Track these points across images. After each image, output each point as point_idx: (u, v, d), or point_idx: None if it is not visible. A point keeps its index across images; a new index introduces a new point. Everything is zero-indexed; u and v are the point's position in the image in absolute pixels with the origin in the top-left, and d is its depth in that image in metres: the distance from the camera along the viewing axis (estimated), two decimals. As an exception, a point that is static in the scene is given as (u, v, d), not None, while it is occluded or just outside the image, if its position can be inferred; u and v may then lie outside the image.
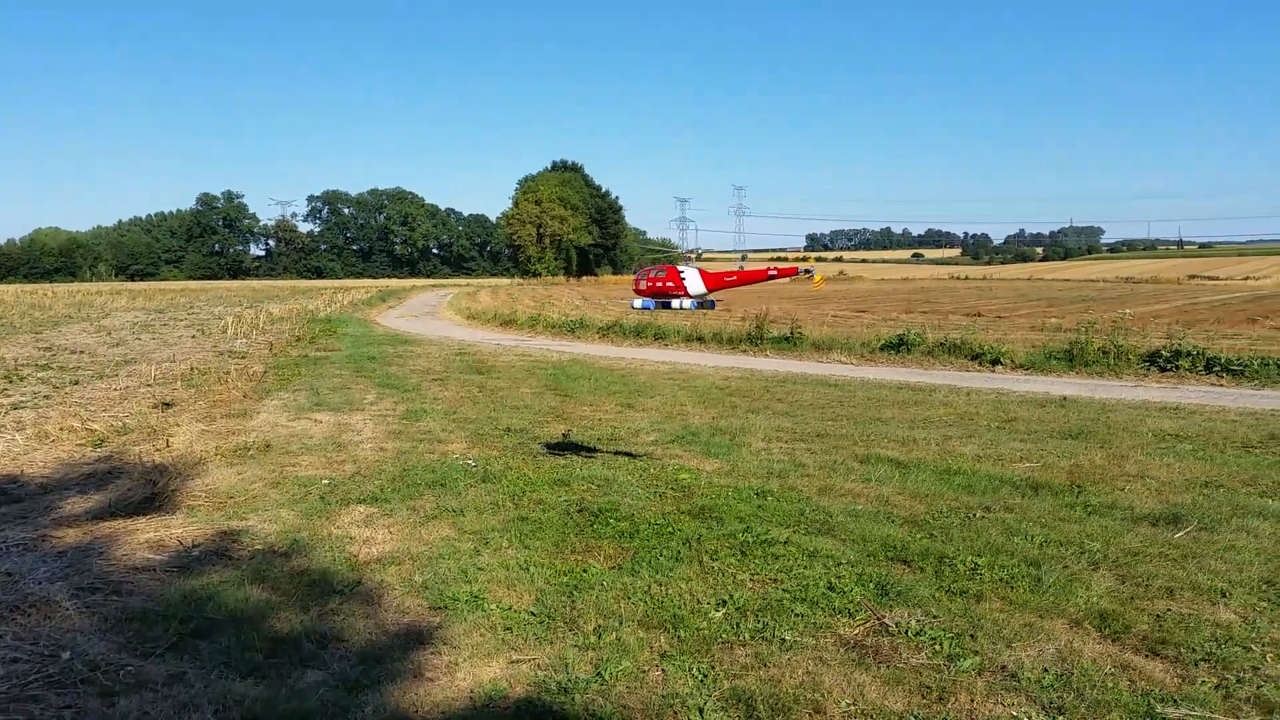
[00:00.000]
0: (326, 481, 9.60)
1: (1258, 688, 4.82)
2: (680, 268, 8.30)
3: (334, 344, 28.18)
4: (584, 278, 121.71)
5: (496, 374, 19.85)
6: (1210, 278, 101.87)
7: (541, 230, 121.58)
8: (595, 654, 5.26)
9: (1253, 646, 5.33)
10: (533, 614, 5.86)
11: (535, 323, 37.25)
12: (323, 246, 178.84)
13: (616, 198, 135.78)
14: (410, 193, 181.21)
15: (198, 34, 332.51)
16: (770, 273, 8.52)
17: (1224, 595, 6.14)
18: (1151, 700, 4.69)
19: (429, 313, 51.48)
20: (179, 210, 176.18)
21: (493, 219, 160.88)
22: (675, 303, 8.14)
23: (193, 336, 30.39)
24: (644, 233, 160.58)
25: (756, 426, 12.93)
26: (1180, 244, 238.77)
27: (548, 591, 6.25)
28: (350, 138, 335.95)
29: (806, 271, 8.91)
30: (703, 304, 8.23)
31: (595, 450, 11.08)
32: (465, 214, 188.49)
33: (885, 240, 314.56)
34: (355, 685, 4.98)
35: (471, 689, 4.93)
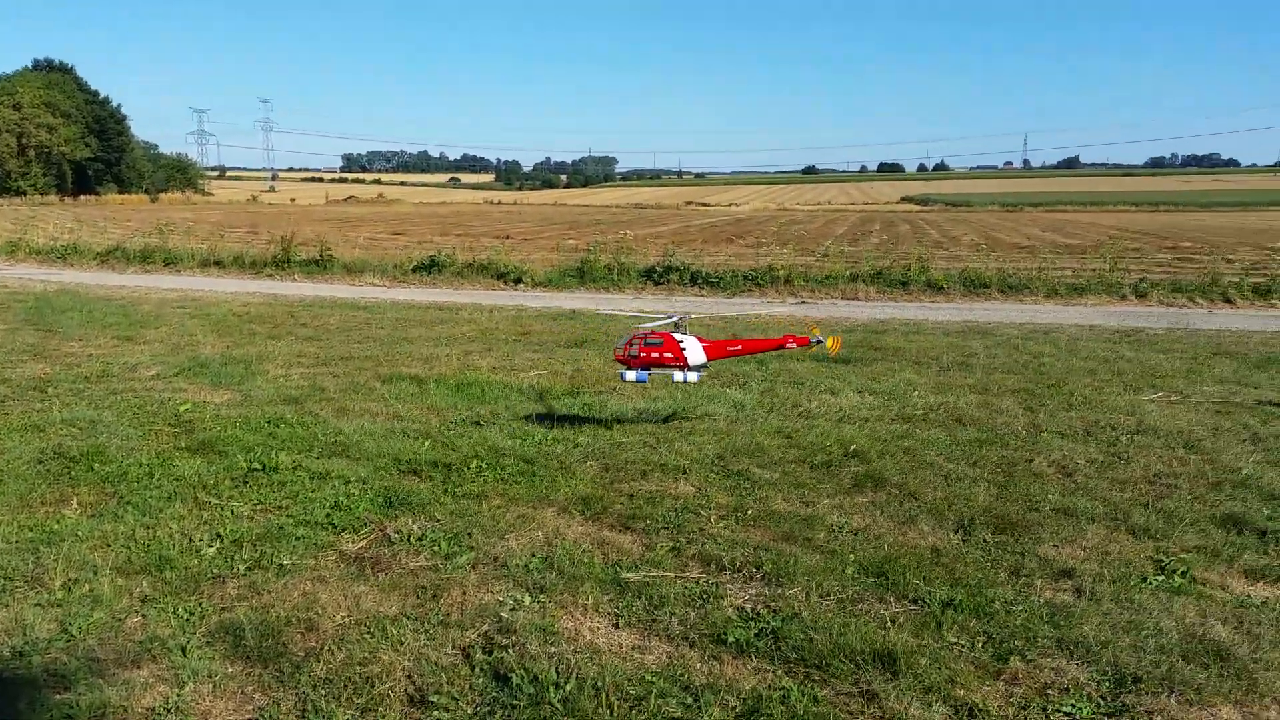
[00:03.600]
0: None
1: (702, 545, 5.75)
2: (677, 336, 7.40)
3: None
4: (82, 197, 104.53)
5: (-49, 310, 16.61)
6: (703, 204, 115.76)
7: (24, 141, 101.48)
8: (62, 610, 4.73)
9: (702, 512, 6.33)
10: (-17, 578, 5.09)
11: (15, 249, 31.71)
12: None
13: (119, 106, 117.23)
14: None
15: None
16: (787, 344, 7.83)
17: (685, 472, 7.19)
18: (619, 569, 5.37)
19: None
20: None
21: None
22: (678, 375, 7.25)
23: None
24: (155, 147, 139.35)
25: (276, 353, 12.35)
26: (680, 174, 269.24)
27: (5, 550, 5.46)
28: None
29: (818, 341, 8.50)
30: (700, 373, 7.50)
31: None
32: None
33: (424, 164, 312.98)
34: None
35: (-107, 675, 4.19)
